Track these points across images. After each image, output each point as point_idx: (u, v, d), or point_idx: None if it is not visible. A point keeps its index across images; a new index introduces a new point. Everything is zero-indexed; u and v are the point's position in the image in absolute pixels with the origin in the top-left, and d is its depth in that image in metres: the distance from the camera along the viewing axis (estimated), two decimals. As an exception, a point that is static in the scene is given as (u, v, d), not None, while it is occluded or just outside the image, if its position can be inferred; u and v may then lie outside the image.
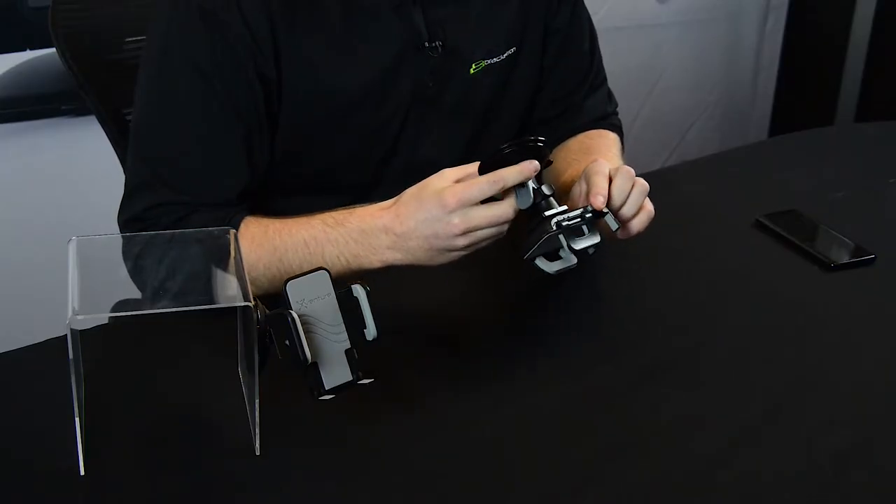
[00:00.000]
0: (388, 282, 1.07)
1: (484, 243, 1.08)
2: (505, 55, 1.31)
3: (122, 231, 1.19)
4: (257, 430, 0.90)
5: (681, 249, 1.29)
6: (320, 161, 1.27)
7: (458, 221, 1.05)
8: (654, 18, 2.73)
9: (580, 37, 1.40)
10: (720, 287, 1.22)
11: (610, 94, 1.47)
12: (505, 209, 1.06)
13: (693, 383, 1.04)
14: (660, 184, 1.31)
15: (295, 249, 1.13)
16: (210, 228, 0.99)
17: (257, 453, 0.91)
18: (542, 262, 1.09)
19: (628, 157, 1.38)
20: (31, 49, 1.93)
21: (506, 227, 1.08)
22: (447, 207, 1.05)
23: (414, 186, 1.09)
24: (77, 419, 0.87)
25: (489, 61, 1.30)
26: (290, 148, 1.24)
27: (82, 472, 0.88)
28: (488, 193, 1.06)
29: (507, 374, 1.05)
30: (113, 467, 0.90)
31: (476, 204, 1.05)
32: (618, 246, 1.32)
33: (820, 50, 2.99)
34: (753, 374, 1.06)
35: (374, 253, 1.10)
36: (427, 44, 1.24)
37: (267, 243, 1.15)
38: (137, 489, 0.88)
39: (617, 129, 1.44)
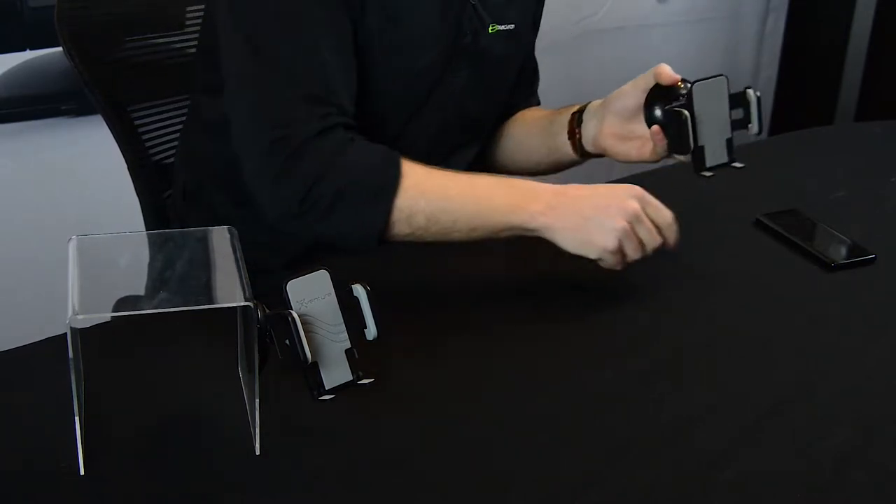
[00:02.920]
0: (388, 282, 1.07)
1: (634, 249, 1.14)
2: (510, 26, 1.36)
3: (285, 164, 1.14)
4: (257, 430, 0.90)
5: (681, 249, 1.29)
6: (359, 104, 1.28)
7: (635, 201, 1.14)
8: (654, 18, 2.73)
9: (539, 22, 1.48)
10: (720, 287, 1.22)
11: None
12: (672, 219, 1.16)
13: (693, 383, 1.04)
14: (660, 183, 1.31)
15: (461, 194, 1.16)
16: (210, 228, 0.99)
17: (257, 453, 0.91)
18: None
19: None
20: (31, 49, 1.93)
21: (658, 241, 1.16)
22: (631, 191, 1.14)
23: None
24: (77, 419, 0.87)
25: (501, 27, 1.34)
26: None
27: (82, 472, 0.88)
28: (666, 222, 1.16)
29: (507, 374, 1.05)
30: (113, 467, 0.90)
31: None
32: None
33: (820, 50, 2.99)
34: (753, 373, 1.06)
35: (537, 203, 1.14)
36: None
37: (432, 184, 1.17)
38: (137, 489, 0.88)
39: None
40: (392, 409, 0.98)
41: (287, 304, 0.90)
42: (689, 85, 1.24)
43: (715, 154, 1.25)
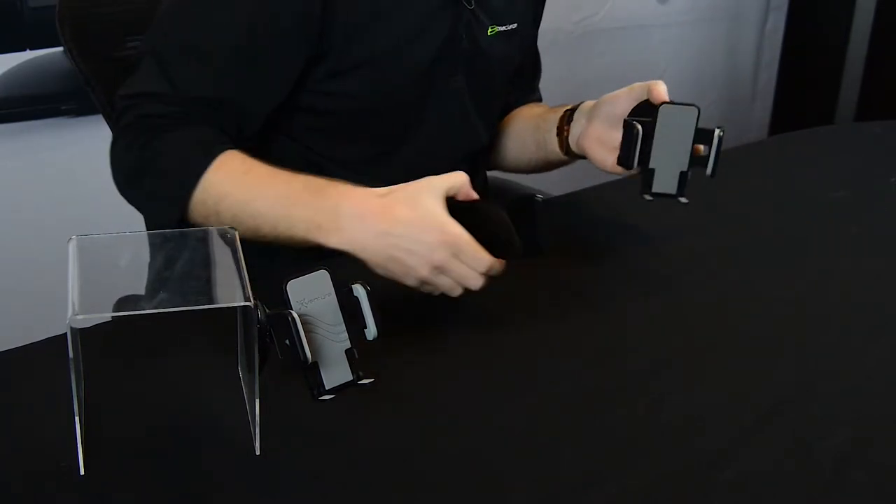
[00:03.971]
0: (388, 282, 1.07)
1: (446, 288, 1.08)
2: (511, 26, 1.36)
3: (116, 104, 1.22)
4: (257, 430, 0.90)
5: (680, 249, 1.29)
6: (352, 103, 1.27)
7: (444, 250, 1.04)
8: (655, 18, 2.73)
9: (540, 19, 1.49)
10: (719, 286, 1.22)
11: None
12: (492, 262, 1.06)
13: (693, 383, 1.04)
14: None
15: (265, 198, 1.13)
16: (210, 228, 0.99)
17: (257, 453, 0.91)
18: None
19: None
20: (31, 49, 1.93)
21: (473, 280, 1.07)
22: (444, 237, 1.04)
23: (406, 192, 1.07)
24: (77, 419, 0.87)
25: (501, 28, 1.34)
26: (322, 87, 1.24)
27: (82, 472, 0.88)
28: (481, 270, 1.06)
29: (507, 374, 1.05)
30: (113, 467, 0.90)
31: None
32: (615, 244, 1.32)
33: (820, 50, 3.00)
34: (753, 374, 1.06)
35: (338, 233, 1.07)
36: None
37: (243, 184, 1.14)
38: (137, 489, 0.88)
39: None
40: (392, 409, 0.98)
41: (287, 304, 0.90)
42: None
43: (663, 182, 1.20)
